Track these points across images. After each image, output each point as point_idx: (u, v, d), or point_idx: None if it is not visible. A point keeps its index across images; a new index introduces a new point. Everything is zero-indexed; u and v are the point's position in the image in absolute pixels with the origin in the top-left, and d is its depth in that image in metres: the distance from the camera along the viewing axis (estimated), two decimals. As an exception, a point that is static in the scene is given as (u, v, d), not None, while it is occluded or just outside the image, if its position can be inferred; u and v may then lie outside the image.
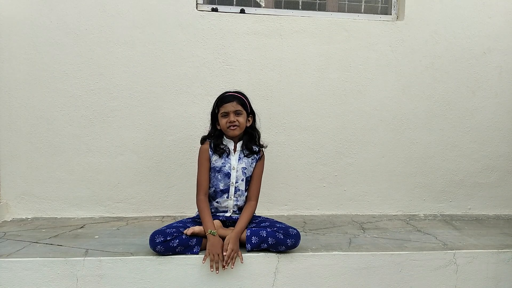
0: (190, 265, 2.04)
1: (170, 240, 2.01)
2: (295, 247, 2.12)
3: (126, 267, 2.03)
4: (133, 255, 2.06)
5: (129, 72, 2.69)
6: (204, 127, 2.72)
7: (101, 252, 2.10)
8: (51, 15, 2.62)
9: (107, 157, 2.73)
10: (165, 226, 2.10)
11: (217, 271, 2.01)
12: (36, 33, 2.62)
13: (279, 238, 2.07)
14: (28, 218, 2.70)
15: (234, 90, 2.24)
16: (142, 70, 2.70)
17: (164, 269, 2.04)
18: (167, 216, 2.78)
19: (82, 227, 2.53)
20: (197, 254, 2.06)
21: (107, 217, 2.75)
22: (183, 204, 2.78)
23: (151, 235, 2.03)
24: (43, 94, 2.66)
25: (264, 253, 2.10)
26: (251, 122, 2.24)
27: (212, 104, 2.24)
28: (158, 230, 2.04)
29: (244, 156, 2.22)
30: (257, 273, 2.08)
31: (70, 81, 2.66)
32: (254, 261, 2.07)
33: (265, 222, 2.20)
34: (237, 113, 2.15)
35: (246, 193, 2.24)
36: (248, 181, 2.24)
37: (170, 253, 2.03)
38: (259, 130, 2.29)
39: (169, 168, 2.78)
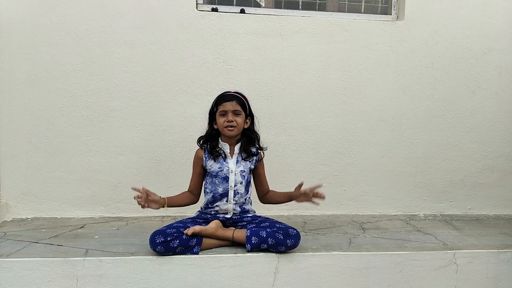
0: (190, 265, 2.04)
1: (170, 241, 2.01)
2: (295, 247, 2.12)
3: (126, 267, 2.03)
4: (133, 255, 2.06)
5: (129, 72, 2.69)
6: (204, 127, 2.72)
7: (101, 252, 2.10)
8: (51, 15, 2.62)
9: (107, 157, 2.73)
10: (165, 226, 2.10)
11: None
12: (36, 33, 2.62)
13: (278, 239, 2.07)
14: (28, 218, 2.70)
15: (234, 91, 2.24)
16: (142, 70, 2.70)
17: (164, 269, 2.04)
18: (167, 216, 2.78)
19: (82, 227, 2.53)
20: (197, 254, 2.06)
21: (107, 217, 2.75)
22: (183, 204, 2.78)
23: (151, 235, 2.03)
24: (43, 94, 2.66)
25: (264, 253, 2.10)
26: (249, 124, 2.22)
27: (211, 103, 2.24)
28: (158, 231, 2.04)
29: (242, 159, 2.21)
30: (257, 273, 2.08)
31: (70, 81, 2.67)
32: (254, 261, 2.07)
33: (265, 222, 2.20)
34: (235, 113, 2.14)
35: (245, 196, 2.23)
36: (248, 182, 2.25)
37: (170, 253, 2.03)
38: (258, 133, 2.29)
39: (169, 168, 2.78)
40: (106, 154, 2.73)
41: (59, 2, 2.62)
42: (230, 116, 2.13)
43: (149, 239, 2.03)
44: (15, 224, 2.57)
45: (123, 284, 2.03)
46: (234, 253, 2.07)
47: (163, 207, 2.14)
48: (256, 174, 2.29)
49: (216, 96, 2.23)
